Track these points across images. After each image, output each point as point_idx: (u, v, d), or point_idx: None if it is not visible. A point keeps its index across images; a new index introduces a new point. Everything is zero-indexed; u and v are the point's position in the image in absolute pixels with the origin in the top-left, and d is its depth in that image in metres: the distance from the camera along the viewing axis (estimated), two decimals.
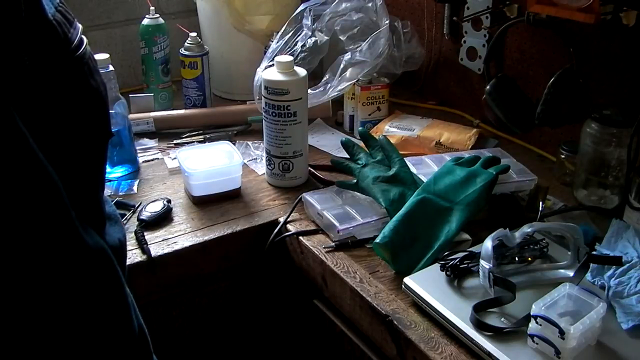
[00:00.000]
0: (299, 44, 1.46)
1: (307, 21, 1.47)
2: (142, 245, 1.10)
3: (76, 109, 0.61)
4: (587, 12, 1.13)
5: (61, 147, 0.59)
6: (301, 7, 1.48)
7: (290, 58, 1.28)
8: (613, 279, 0.96)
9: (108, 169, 1.31)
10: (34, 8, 0.56)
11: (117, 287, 0.65)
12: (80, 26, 0.63)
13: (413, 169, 1.22)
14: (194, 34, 1.58)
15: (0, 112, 0.51)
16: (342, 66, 1.44)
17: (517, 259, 1.01)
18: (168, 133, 1.51)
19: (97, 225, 0.65)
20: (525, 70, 1.44)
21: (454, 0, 1.54)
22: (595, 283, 0.97)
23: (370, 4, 1.49)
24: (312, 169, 1.34)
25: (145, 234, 1.13)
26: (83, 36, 0.62)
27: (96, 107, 0.64)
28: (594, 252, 1.00)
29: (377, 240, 1.04)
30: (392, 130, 1.46)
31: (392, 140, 1.30)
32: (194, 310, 1.21)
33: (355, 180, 1.20)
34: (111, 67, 1.27)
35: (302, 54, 1.46)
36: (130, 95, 1.54)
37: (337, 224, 1.11)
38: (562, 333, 0.81)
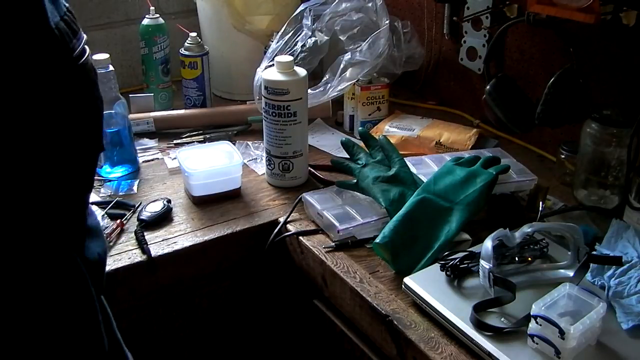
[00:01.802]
0: (299, 44, 1.46)
1: (307, 21, 1.47)
2: (142, 245, 1.10)
3: (73, 119, 0.60)
4: (587, 12, 1.13)
5: (56, 157, 0.59)
6: (301, 7, 1.48)
7: (290, 58, 1.28)
8: (613, 279, 0.96)
9: (108, 169, 1.32)
10: (37, 16, 0.56)
11: (88, 302, 0.64)
12: (84, 37, 0.62)
13: (413, 169, 1.22)
14: (194, 34, 1.58)
15: None
16: (342, 66, 1.44)
17: (517, 259, 1.01)
18: (168, 133, 1.51)
19: (77, 239, 0.64)
20: (525, 70, 1.44)
21: (454, 0, 1.54)
22: (595, 283, 0.97)
23: (370, 4, 1.49)
24: (312, 169, 1.34)
25: (145, 234, 1.13)
26: (86, 47, 0.62)
27: (91, 120, 0.64)
28: (594, 252, 1.00)
29: (377, 240, 1.04)
30: (392, 130, 1.46)
31: (392, 140, 1.30)
32: (194, 310, 1.21)
33: (355, 180, 1.20)
34: (111, 67, 1.27)
35: (302, 54, 1.46)
36: (130, 95, 1.54)
37: (337, 224, 1.11)
38: (562, 333, 0.81)
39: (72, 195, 0.63)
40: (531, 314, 0.85)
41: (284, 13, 1.56)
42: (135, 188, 1.29)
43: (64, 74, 0.58)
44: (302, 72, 1.27)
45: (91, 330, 0.64)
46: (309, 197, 1.19)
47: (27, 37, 0.54)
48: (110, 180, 1.30)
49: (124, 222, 1.16)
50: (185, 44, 1.57)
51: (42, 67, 0.56)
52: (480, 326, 0.88)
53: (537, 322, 0.84)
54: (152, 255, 1.09)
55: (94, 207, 1.19)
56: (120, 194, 1.27)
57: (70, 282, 0.61)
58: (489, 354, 0.85)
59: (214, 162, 1.26)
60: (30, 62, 0.55)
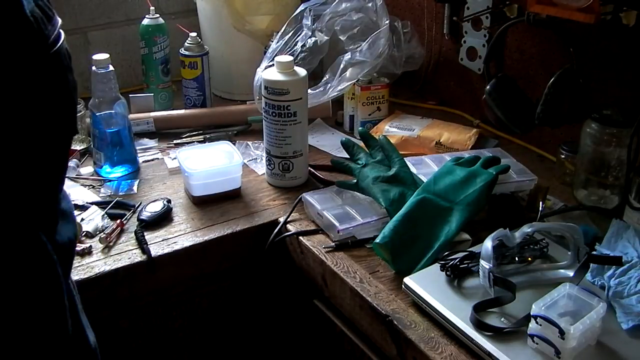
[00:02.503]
0: (299, 44, 1.46)
1: (307, 21, 1.47)
2: (142, 245, 1.10)
3: (46, 105, 0.60)
4: (587, 12, 1.13)
5: (29, 142, 0.59)
6: (301, 7, 1.48)
7: (290, 58, 1.28)
8: (613, 279, 0.96)
9: (108, 169, 1.32)
10: (12, 5, 0.55)
11: (54, 285, 0.64)
12: (59, 21, 0.62)
13: (413, 169, 1.22)
14: (194, 34, 1.58)
15: None
16: (342, 66, 1.44)
17: (517, 259, 1.01)
18: (168, 133, 1.51)
19: (49, 221, 0.64)
20: (525, 70, 1.44)
21: (454, 0, 1.55)
22: (595, 283, 0.97)
23: (370, 4, 1.49)
24: (312, 169, 1.34)
25: (145, 234, 1.13)
26: (61, 31, 0.62)
27: (66, 104, 0.64)
28: (594, 252, 1.00)
29: (377, 240, 1.04)
30: (392, 130, 1.46)
31: (392, 140, 1.30)
32: (194, 310, 1.21)
33: (355, 180, 1.20)
34: (111, 67, 1.27)
35: (302, 54, 1.46)
36: (130, 95, 1.54)
37: (337, 224, 1.11)
38: (562, 333, 0.81)
39: (45, 177, 0.63)
40: (531, 314, 0.85)
41: (284, 13, 1.56)
42: (135, 188, 1.29)
43: (39, 61, 0.58)
44: (302, 72, 1.27)
45: (56, 312, 0.64)
46: (309, 197, 1.19)
47: (3, 27, 0.54)
48: (110, 180, 1.30)
49: (124, 222, 1.16)
50: (185, 44, 1.57)
51: (18, 57, 0.56)
52: (480, 326, 0.88)
53: (537, 322, 0.84)
54: (152, 255, 1.09)
55: (95, 207, 1.19)
56: (120, 194, 1.27)
57: (35, 263, 0.61)
58: (489, 354, 0.85)
59: (214, 162, 1.26)
60: (5, 53, 0.55)
